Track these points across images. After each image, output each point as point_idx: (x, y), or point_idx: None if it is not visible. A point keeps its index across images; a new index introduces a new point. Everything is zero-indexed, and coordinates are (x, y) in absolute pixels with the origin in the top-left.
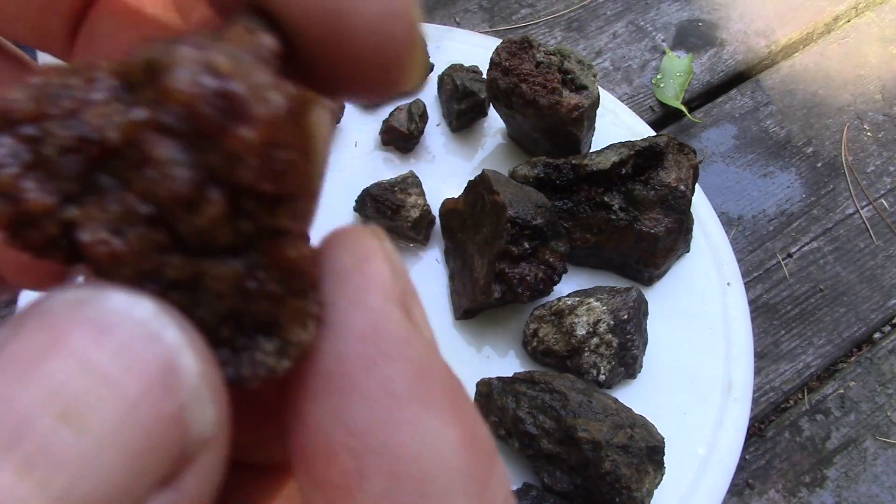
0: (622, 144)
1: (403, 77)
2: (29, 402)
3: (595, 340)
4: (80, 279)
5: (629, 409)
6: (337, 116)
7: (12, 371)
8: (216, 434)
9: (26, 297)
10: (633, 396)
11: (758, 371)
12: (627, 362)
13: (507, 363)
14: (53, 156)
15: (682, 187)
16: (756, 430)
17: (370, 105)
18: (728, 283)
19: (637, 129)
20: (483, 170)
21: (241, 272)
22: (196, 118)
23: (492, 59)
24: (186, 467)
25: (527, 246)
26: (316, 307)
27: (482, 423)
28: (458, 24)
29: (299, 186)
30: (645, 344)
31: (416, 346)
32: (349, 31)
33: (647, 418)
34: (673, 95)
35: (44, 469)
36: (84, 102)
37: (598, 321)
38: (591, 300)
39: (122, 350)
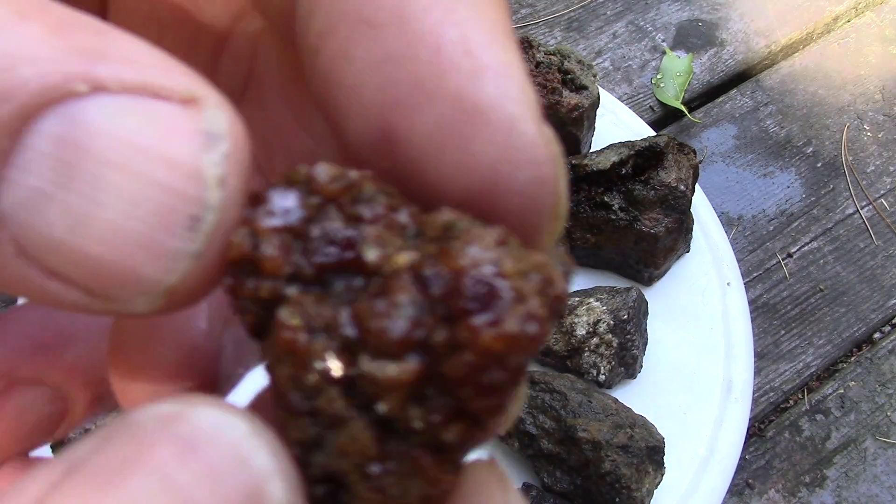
0: (622, 144)
1: (544, 238)
2: None
3: (595, 340)
4: (174, 394)
5: (629, 409)
6: None
7: (93, 484)
8: None
9: None
10: (633, 396)
11: (758, 371)
12: (627, 362)
13: None
14: (316, 238)
15: (682, 187)
16: (756, 430)
17: None
18: (728, 283)
19: (637, 129)
20: None
21: (377, 450)
22: (452, 290)
23: None
24: None
25: None
26: None
27: None
28: None
29: (488, 415)
30: (645, 344)
31: None
32: (501, 195)
33: (647, 418)
34: (673, 95)
35: None
36: (375, 219)
37: (598, 321)
38: (591, 300)
39: (207, 472)
